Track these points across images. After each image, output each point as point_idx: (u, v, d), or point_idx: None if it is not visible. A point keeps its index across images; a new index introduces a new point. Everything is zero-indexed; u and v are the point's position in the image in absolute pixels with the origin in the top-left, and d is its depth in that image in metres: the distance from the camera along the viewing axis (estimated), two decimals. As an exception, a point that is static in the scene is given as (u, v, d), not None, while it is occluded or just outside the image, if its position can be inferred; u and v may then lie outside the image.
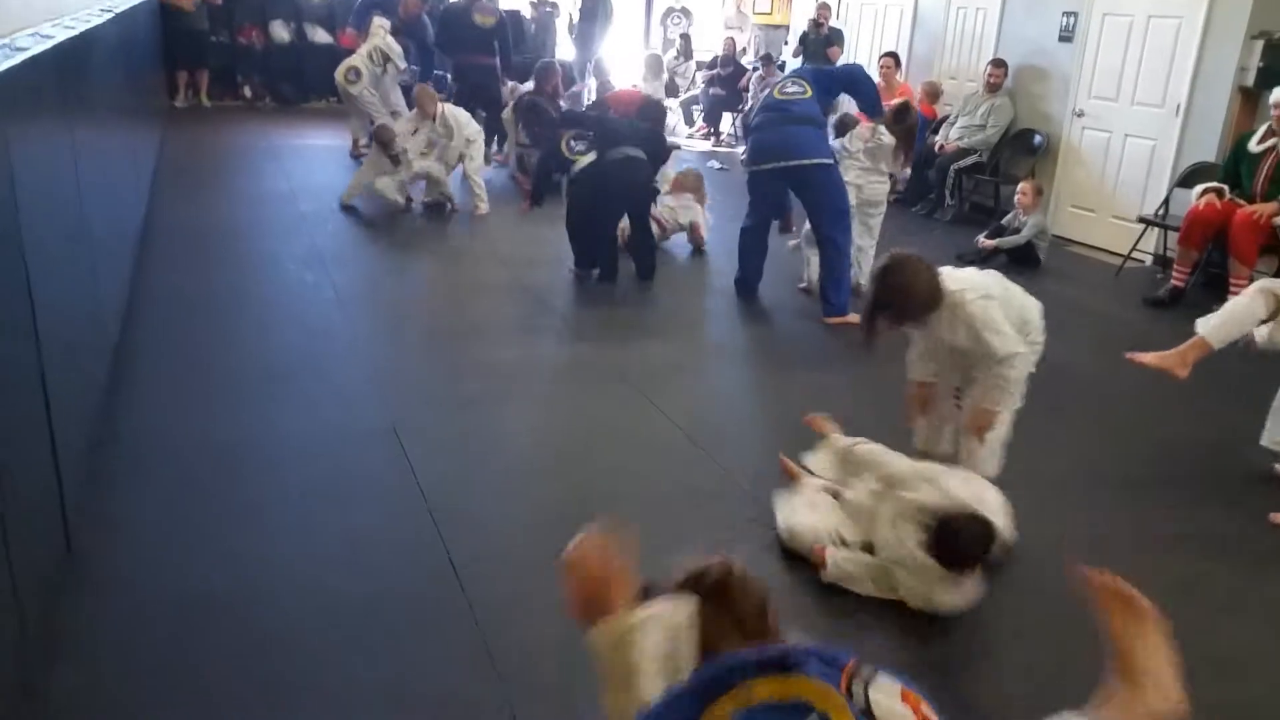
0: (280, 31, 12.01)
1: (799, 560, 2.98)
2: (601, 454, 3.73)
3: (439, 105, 7.59)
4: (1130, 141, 7.21)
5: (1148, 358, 3.56)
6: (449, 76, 9.86)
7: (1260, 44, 6.34)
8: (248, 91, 12.12)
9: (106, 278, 4.20)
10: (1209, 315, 3.56)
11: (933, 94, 8.92)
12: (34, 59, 2.78)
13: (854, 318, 5.07)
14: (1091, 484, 3.66)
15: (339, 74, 8.73)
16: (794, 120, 5.38)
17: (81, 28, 3.91)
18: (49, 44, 3.03)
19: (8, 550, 2.11)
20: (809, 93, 5.43)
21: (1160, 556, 3.17)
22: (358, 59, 8.73)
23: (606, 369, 4.60)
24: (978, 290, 3.08)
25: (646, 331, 5.21)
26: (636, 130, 6.00)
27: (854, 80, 5.81)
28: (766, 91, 6.41)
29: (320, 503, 3.24)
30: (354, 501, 3.27)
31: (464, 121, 7.62)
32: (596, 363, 4.72)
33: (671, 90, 8.56)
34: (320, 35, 12.17)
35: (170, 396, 3.96)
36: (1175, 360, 3.52)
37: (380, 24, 8.88)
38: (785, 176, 5.42)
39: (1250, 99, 6.53)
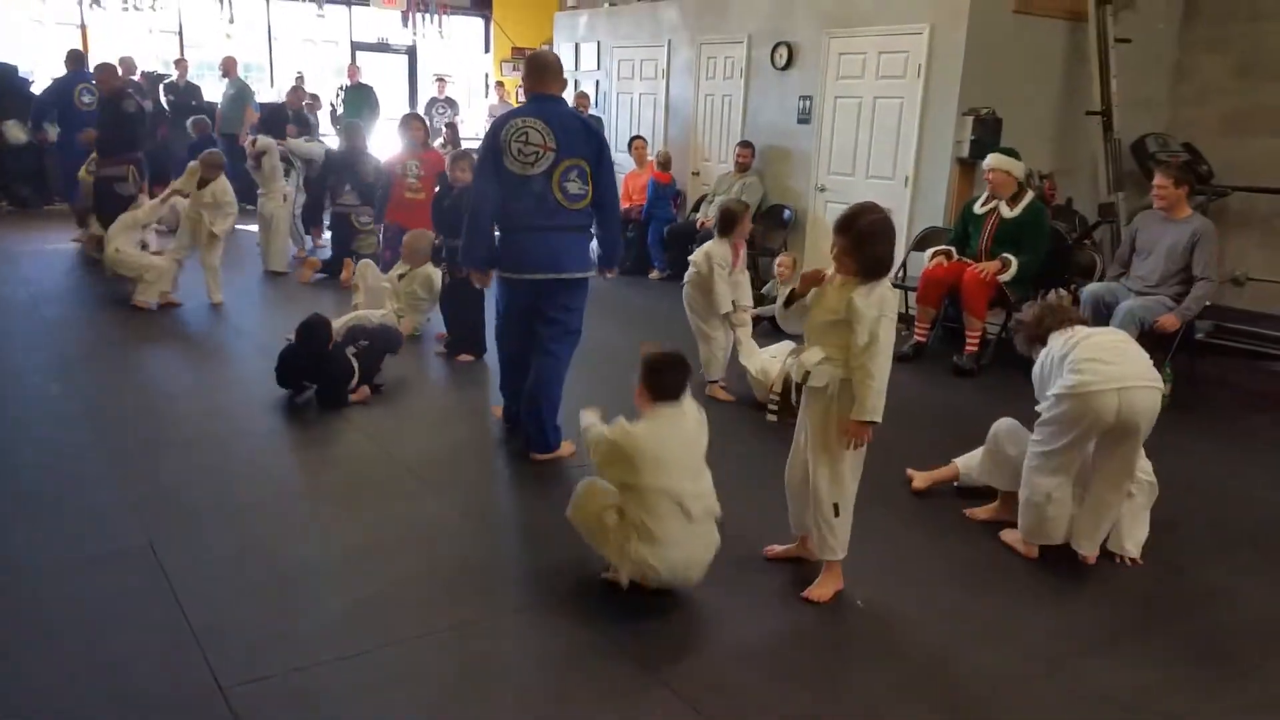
0: (15, 132, 11.27)
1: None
2: (382, 558, 3.61)
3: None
4: (868, 212, 7.81)
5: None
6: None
7: (970, 120, 7.08)
8: (-17, 197, 11.29)
9: None
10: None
11: (664, 163, 9.48)
12: None
13: (566, 449, 4.58)
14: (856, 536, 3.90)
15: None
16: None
17: None
18: None
19: None
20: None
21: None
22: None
23: (385, 468, 4.51)
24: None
25: (430, 425, 5.15)
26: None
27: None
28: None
29: (68, 632, 3.01)
30: (107, 628, 3.04)
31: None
32: (374, 462, 4.62)
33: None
34: (65, 134, 11.52)
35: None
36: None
37: None
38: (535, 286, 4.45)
39: (967, 169, 7.25)
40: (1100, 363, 3.54)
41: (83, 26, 12.62)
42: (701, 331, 5.65)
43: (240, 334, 6.87)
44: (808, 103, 8.34)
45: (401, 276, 6.67)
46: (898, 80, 7.54)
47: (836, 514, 3.31)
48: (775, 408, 3.64)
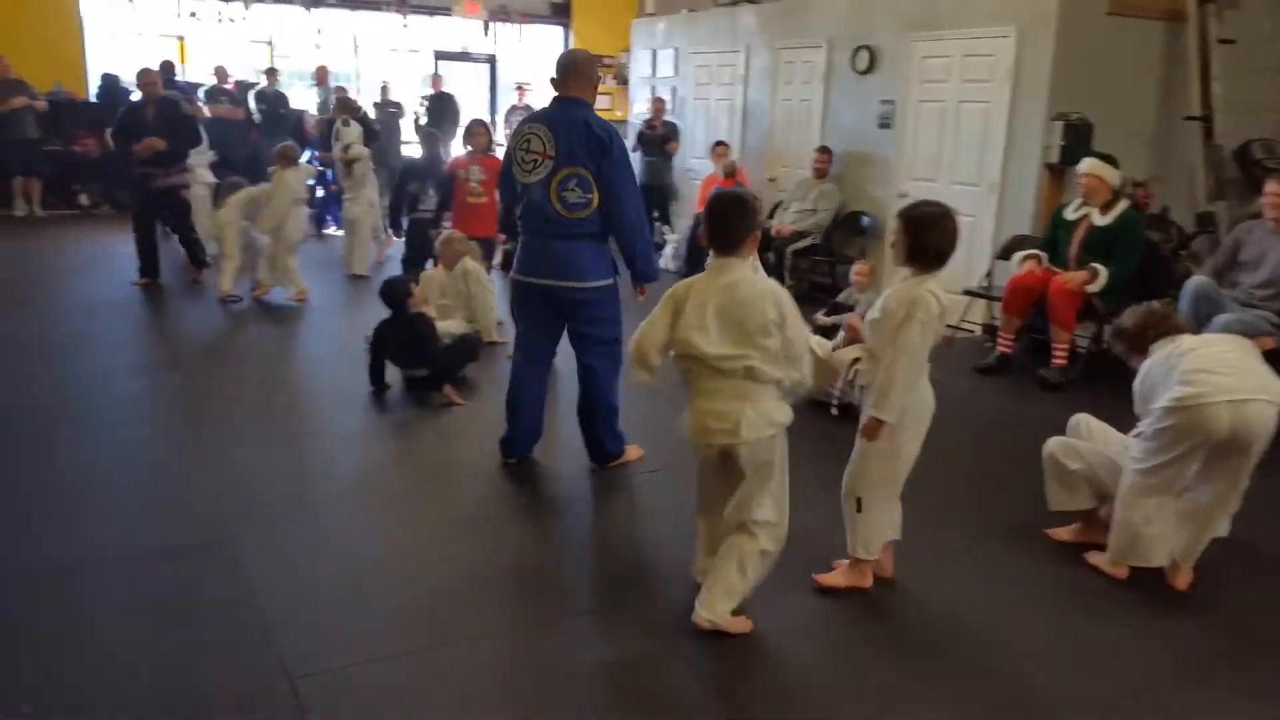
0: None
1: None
2: (446, 558, 3.63)
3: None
4: (952, 219, 7.63)
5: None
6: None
7: (1060, 125, 6.85)
8: (84, 199, 11.76)
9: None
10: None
11: (728, 171, 9.28)
12: None
13: (633, 453, 4.52)
14: (935, 550, 3.77)
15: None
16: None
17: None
18: None
19: None
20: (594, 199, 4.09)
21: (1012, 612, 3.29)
22: None
23: (454, 469, 4.53)
24: (939, 296, 3.12)
25: (500, 427, 5.11)
26: None
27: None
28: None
29: (146, 622, 3.09)
30: (181, 617, 3.12)
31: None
32: (444, 463, 4.64)
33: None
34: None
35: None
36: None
37: None
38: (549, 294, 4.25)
39: (1056, 175, 7.01)
40: (1212, 374, 3.32)
41: (180, 38, 13.05)
42: None
43: (320, 335, 7.04)
44: (890, 107, 8.17)
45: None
46: (984, 84, 7.34)
47: (859, 509, 3.26)
48: (837, 401, 3.51)
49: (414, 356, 5.53)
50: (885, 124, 8.23)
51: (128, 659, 2.88)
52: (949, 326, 7.13)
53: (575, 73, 4.12)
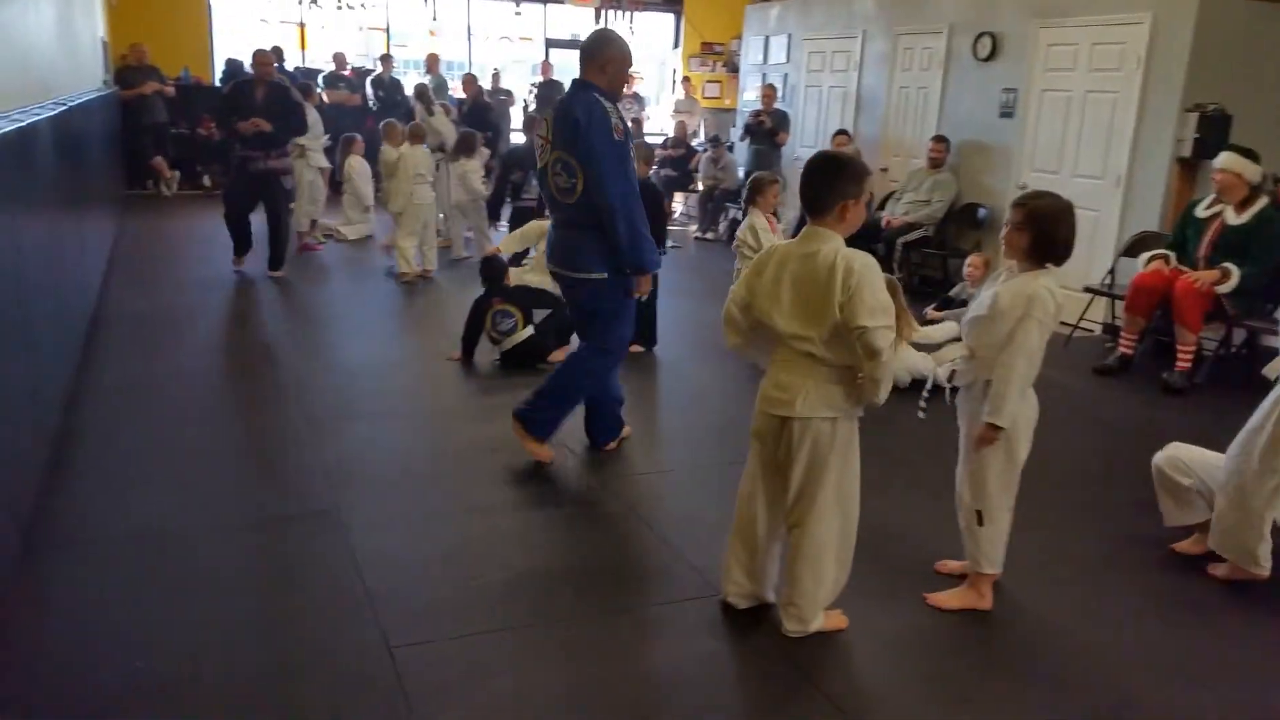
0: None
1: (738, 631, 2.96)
2: (543, 538, 3.66)
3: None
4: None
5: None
6: None
7: (1195, 117, 6.52)
8: (207, 180, 12.24)
9: (49, 363, 4.14)
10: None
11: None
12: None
13: (543, 452, 4.30)
14: (1048, 558, 3.63)
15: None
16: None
17: (27, 120, 3.92)
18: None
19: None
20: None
21: (1116, 628, 3.16)
22: None
23: (553, 452, 4.53)
24: (1055, 293, 2.97)
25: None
26: None
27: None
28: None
29: (254, 586, 3.20)
30: (289, 585, 3.22)
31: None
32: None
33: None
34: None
35: (108, 481, 3.91)
36: None
37: None
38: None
39: (1189, 169, 6.69)
40: None
41: (301, 24, 13.44)
42: None
43: (423, 315, 7.18)
44: (1012, 96, 7.91)
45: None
46: (1113, 73, 7.05)
47: (980, 523, 3.10)
48: (924, 402, 3.25)
49: (535, 302, 5.77)
50: (1007, 113, 7.97)
51: (234, 620, 2.96)
52: (1062, 324, 6.90)
53: (587, 56, 4.02)
